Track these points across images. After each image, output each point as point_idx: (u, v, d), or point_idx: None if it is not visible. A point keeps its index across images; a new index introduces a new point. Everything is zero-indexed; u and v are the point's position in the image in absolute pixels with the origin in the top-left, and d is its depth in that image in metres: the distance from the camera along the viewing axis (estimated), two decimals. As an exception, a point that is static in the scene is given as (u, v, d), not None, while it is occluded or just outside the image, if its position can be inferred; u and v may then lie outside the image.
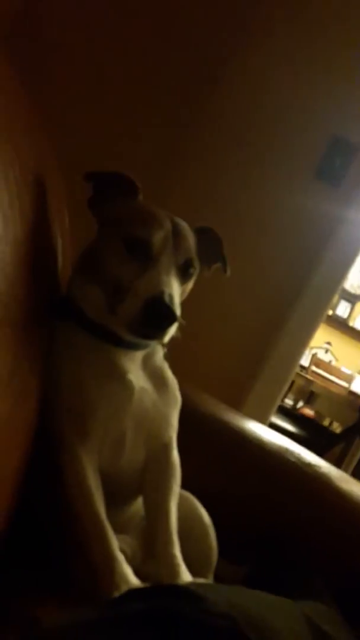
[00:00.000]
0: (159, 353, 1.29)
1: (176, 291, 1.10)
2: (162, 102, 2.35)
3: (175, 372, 1.29)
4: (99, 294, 1.14)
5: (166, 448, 1.25)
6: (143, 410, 1.18)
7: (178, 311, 1.08)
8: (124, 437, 1.16)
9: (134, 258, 1.10)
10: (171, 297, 1.05)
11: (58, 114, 2.09)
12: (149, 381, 1.23)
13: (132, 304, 1.05)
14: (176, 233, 1.15)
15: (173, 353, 1.30)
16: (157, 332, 1.07)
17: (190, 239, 1.20)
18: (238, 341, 2.55)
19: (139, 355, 1.22)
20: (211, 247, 1.27)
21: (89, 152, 1.86)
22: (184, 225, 1.21)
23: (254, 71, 2.40)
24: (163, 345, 1.26)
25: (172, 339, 1.10)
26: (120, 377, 1.16)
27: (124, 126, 2.23)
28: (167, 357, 1.29)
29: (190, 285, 1.20)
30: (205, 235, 1.25)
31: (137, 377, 1.20)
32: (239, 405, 2.44)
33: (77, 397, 1.11)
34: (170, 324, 1.06)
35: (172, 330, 1.07)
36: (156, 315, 1.03)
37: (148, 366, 1.25)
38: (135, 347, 1.20)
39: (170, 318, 1.05)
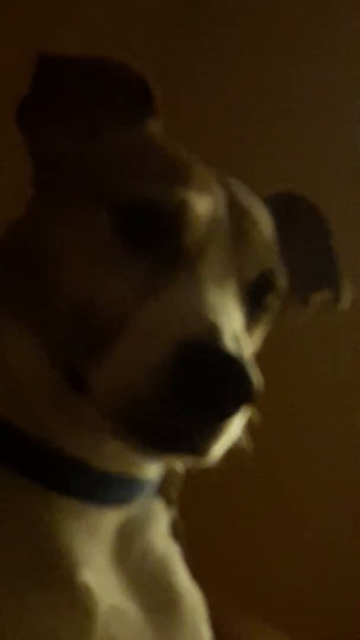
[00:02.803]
0: (160, 520, 0.67)
1: (243, 332, 0.56)
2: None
3: (198, 574, 0.67)
4: (34, 347, 0.60)
5: None
6: None
7: (256, 374, 0.51)
8: None
9: (141, 252, 0.58)
10: (237, 339, 0.52)
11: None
12: (134, 593, 0.63)
13: (136, 359, 0.51)
14: (237, 212, 0.62)
15: (195, 522, 0.67)
16: (204, 424, 0.50)
17: (268, 227, 0.64)
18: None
19: (109, 520, 0.62)
20: (305, 244, 0.71)
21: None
22: (251, 196, 0.65)
23: None
24: (168, 501, 0.67)
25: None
26: (61, 579, 0.58)
27: None
28: (180, 530, 0.66)
29: (261, 331, 0.66)
30: (291, 216, 0.70)
31: (103, 579, 0.61)
32: None
33: None
34: (240, 403, 0.50)
35: (237, 429, 0.52)
36: (209, 379, 0.48)
37: (131, 551, 0.64)
38: (109, 495, 0.61)
39: (242, 387, 0.49)
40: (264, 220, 0.63)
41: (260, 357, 0.63)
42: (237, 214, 0.60)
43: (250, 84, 1.58)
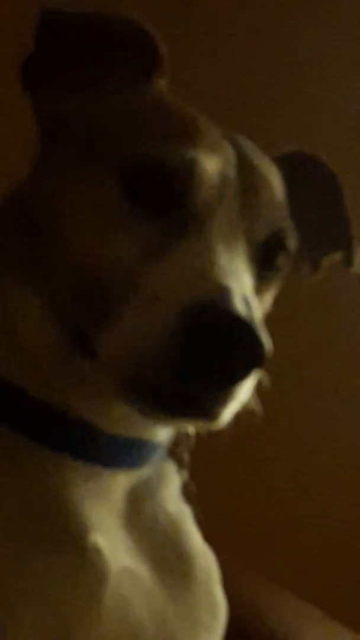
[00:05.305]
0: (171, 482, 0.66)
1: (252, 294, 0.55)
2: None
3: (211, 535, 0.65)
4: (39, 310, 0.58)
5: None
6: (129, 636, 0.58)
7: (266, 337, 0.49)
8: None
9: (149, 214, 0.56)
10: (247, 302, 0.50)
11: None
12: (146, 555, 0.62)
13: (144, 322, 0.50)
14: (247, 171, 0.60)
15: (207, 483, 0.66)
16: (214, 388, 0.49)
17: (278, 187, 0.62)
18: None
19: (120, 483, 0.61)
20: (316, 206, 0.68)
21: None
22: (261, 155, 0.63)
23: None
24: (179, 463, 0.66)
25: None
26: (71, 541, 0.57)
27: None
28: (192, 492, 0.66)
29: (271, 293, 0.64)
30: (302, 177, 0.67)
31: (114, 542, 0.59)
32: None
33: None
34: (251, 368, 0.49)
35: (247, 392, 0.51)
36: (218, 342, 0.47)
37: (142, 514, 0.63)
38: (122, 455, 0.60)
39: (253, 351, 0.48)
40: (274, 179, 0.61)
41: (270, 318, 0.62)
42: (247, 173, 0.59)
43: (258, 49, 1.55)
